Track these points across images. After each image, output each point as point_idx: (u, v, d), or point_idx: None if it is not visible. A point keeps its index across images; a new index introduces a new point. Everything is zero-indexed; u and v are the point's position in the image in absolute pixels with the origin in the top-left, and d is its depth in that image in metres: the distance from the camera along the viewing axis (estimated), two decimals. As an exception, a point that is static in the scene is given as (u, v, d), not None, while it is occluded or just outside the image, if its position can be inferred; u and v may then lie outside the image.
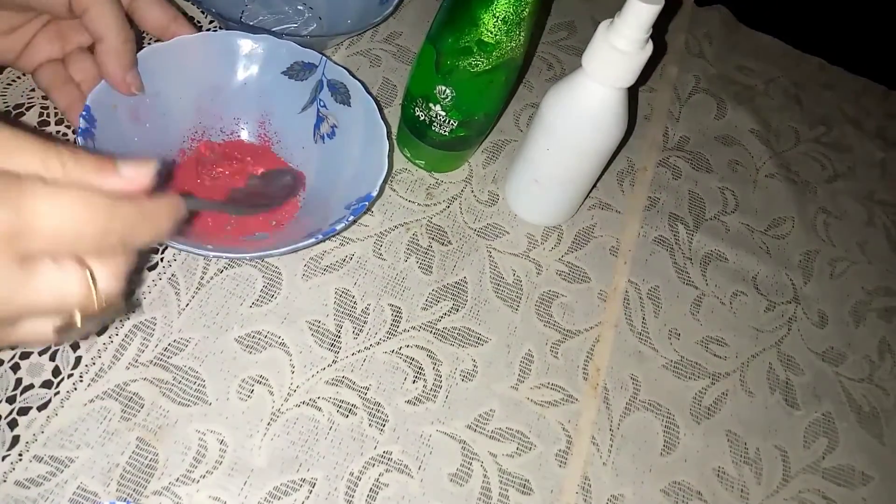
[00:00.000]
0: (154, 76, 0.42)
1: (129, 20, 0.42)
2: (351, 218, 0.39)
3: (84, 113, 0.38)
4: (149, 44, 0.43)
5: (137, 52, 0.41)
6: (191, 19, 0.54)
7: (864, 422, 0.48)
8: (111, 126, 0.40)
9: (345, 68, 0.45)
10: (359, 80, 0.44)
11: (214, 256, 0.39)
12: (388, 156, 0.42)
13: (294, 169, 0.46)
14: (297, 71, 0.45)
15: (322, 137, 0.46)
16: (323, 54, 0.45)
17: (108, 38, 0.39)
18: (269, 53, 0.45)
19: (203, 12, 0.54)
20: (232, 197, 0.44)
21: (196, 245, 0.37)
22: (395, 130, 0.52)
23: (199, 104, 0.45)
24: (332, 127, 0.45)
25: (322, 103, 0.45)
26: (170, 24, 0.42)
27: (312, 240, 0.38)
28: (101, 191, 0.24)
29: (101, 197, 0.23)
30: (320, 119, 0.46)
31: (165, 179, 0.42)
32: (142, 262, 0.42)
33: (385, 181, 0.41)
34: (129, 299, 0.40)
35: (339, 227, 0.39)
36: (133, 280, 0.41)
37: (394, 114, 0.53)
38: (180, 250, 0.40)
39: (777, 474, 0.44)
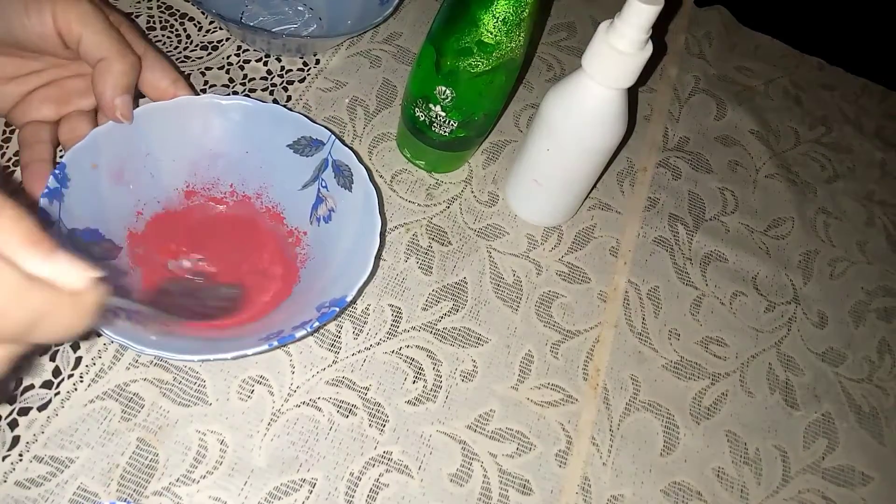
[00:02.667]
0: (148, 136, 0.40)
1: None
2: (315, 325, 0.36)
3: (57, 171, 0.36)
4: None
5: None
6: (190, 20, 0.54)
7: (864, 422, 0.48)
8: (87, 187, 0.38)
9: (352, 150, 0.42)
10: (365, 167, 0.41)
11: (152, 354, 0.34)
12: (375, 258, 0.38)
13: (237, 288, 0.41)
14: (304, 146, 0.43)
15: (318, 220, 0.43)
16: (332, 132, 0.42)
17: (105, 57, 0.37)
18: (276, 124, 0.42)
19: (203, 13, 0.54)
20: (164, 288, 0.40)
21: (136, 337, 0.34)
22: (395, 132, 0.52)
23: (194, 169, 0.43)
24: (329, 210, 0.42)
25: (324, 183, 0.43)
26: (169, 88, 0.41)
27: (265, 346, 0.35)
28: (20, 267, 0.19)
29: (16, 274, 0.19)
30: (320, 200, 0.43)
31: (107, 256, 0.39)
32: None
33: (364, 286, 0.38)
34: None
35: (298, 334, 0.35)
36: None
37: (394, 114, 0.53)
38: (116, 342, 0.35)
39: (777, 475, 0.44)
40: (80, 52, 0.37)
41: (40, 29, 0.36)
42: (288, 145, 0.43)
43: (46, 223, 0.34)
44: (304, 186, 0.43)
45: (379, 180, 0.49)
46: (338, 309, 0.37)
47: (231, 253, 0.43)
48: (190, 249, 0.42)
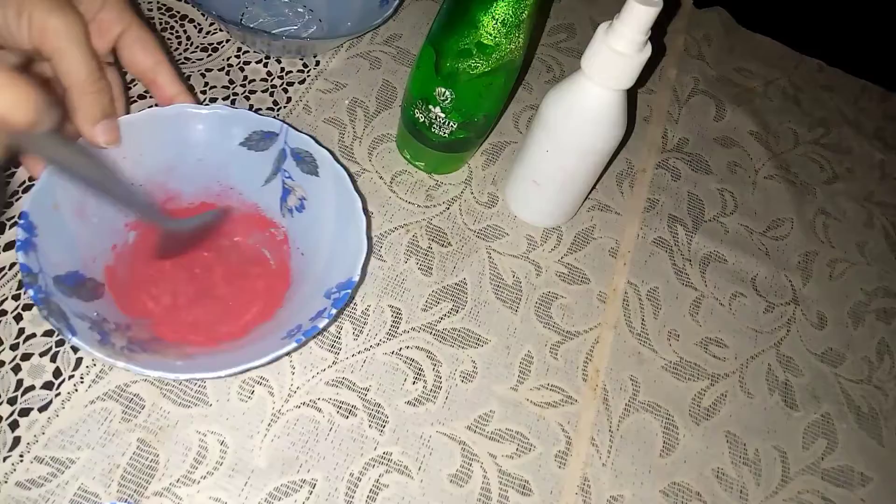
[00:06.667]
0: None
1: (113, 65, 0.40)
2: (333, 312, 0.36)
3: (21, 221, 0.34)
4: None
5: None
6: (190, 22, 0.54)
7: (863, 423, 0.48)
8: (55, 230, 0.36)
9: (310, 136, 0.41)
10: (326, 149, 0.41)
11: (186, 379, 0.34)
12: (367, 233, 0.38)
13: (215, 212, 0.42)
14: (257, 141, 0.42)
15: (290, 211, 0.42)
16: (284, 122, 0.42)
17: (71, 87, 0.36)
18: (225, 125, 0.41)
19: (203, 14, 0.54)
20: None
21: (164, 365, 0.34)
22: (394, 133, 0.52)
23: (153, 186, 0.41)
24: (300, 199, 0.42)
25: (287, 174, 0.42)
26: (149, 70, 0.40)
27: (293, 343, 0.35)
28: None
29: None
30: (286, 191, 0.42)
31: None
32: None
33: (367, 262, 0.38)
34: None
35: (321, 325, 0.35)
36: None
37: (394, 116, 0.53)
38: (147, 376, 0.35)
39: (776, 475, 0.44)
40: (52, 68, 0.36)
41: (18, 36, 0.35)
42: (240, 143, 0.42)
43: (30, 275, 0.33)
44: (267, 181, 0.43)
45: (379, 181, 0.50)
46: (349, 291, 0.37)
47: (215, 262, 0.42)
48: (171, 268, 0.41)
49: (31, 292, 0.33)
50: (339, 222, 0.40)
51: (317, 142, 0.41)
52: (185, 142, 0.41)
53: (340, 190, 0.40)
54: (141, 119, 0.40)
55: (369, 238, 0.39)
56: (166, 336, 0.39)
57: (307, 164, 0.41)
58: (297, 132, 0.42)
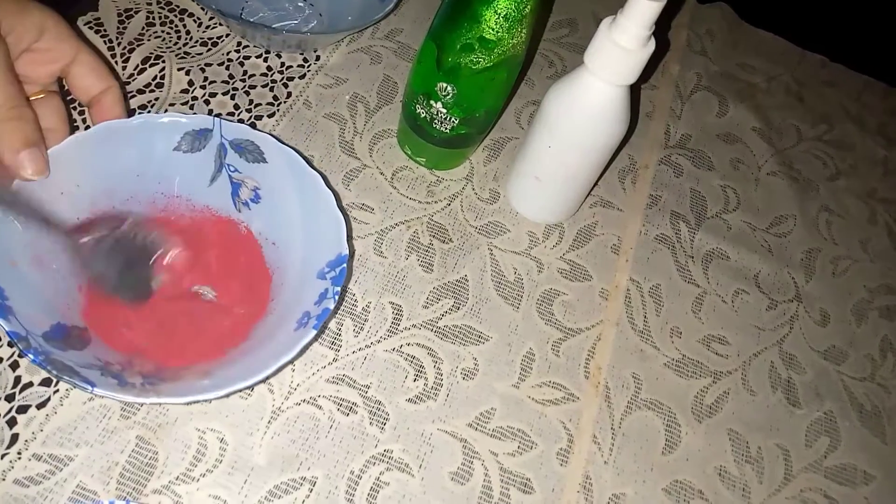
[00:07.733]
0: (41, 207, 0.36)
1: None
2: (337, 290, 0.35)
3: None
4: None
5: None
6: (190, 16, 0.54)
7: (866, 421, 0.47)
8: (22, 287, 0.34)
9: (246, 124, 0.40)
10: (269, 133, 0.40)
11: (226, 395, 0.34)
12: (339, 206, 0.38)
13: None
14: (190, 142, 0.40)
15: (246, 204, 0.41)
16: (217, 116, 0.41)
17: None
18: (154, 134, 0.39)
19: (203, 9, 0.54)
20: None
21: (196, 386, 0.34)
22: (395, 128, 0.52)
23: (97, 216, 0.39)
24: (253, 190, 0.41)
25: (232, 168, 0.41)
26: (98, 95, 0.39)
27: (312, 332, 0.34)
28: None
29: None
30: (236, 185, 0.41)
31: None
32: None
33: (349, 236, 0.37)
34: None
35: (331, 305, 0.35)
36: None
37: (395, 111, 0.53)
38: (183, 403, 0.35)
39: (779, 473, 0.44)
40: None
41: None
42: (175, 149, 0.40)
43: (22, 340, 0.32)
44: (213, 180, 0.41)
45: (379, 177, 0.49)
46: (344, 266, 0.36)
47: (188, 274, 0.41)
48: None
49: (30, 356, 0.32)
50: (305, 203, 0.39)
51: (254, 128, 0.40)
52: (117, 160, 0.39)
53: (296, 171, 0.39)
54: (67, 148, 0.38)
55: (343, 211, 0.38)
56: (169, 362, 0.37)
57: (251, 153, 0.40)
58: (231, 123, 0.40)
